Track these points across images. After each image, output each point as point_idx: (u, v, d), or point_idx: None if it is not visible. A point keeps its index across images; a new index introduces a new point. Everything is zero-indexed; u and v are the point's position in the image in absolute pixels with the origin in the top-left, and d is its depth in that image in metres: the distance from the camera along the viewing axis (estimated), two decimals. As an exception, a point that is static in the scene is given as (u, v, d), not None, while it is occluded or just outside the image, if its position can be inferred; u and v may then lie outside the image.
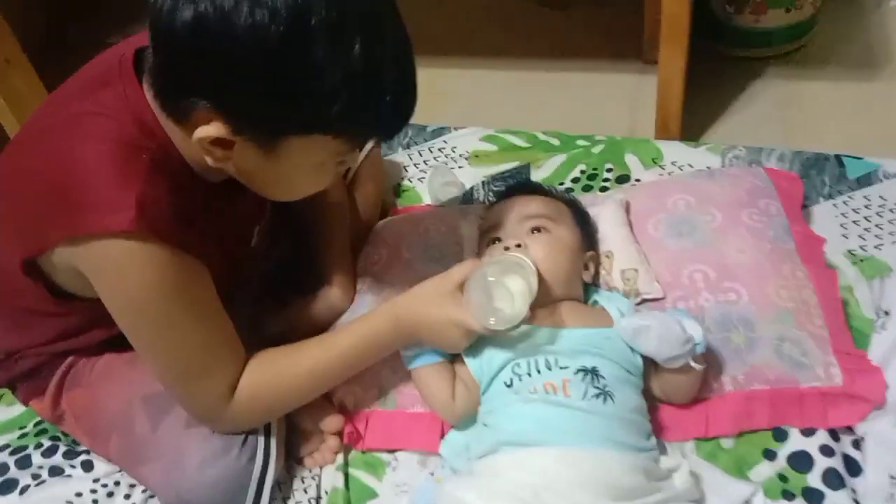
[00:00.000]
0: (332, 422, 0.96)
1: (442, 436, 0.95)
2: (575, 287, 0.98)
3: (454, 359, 0.95)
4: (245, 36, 0.67)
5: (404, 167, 1.40)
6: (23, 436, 1.07)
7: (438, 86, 1.90)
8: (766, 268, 0.99)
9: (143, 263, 0.77)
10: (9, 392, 1.09)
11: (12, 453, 1.04)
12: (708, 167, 1.26)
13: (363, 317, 0.93)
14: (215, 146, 0.76)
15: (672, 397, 0.93)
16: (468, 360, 0.93)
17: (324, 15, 0.67)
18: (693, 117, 1.62)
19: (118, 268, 0.78)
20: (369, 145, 1.23)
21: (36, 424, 1.08)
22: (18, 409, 1.10)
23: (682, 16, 1.35)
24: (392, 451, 0.97)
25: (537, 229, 0.97)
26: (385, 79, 0.73)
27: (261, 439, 0.90)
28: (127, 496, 0.98)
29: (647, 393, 0.92)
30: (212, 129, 0.74)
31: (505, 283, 0.87)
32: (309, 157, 0.79)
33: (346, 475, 0.96)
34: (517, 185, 1.09)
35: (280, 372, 0.89)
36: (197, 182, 0.85)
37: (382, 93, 0.73)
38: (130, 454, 0.93)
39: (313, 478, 0.96)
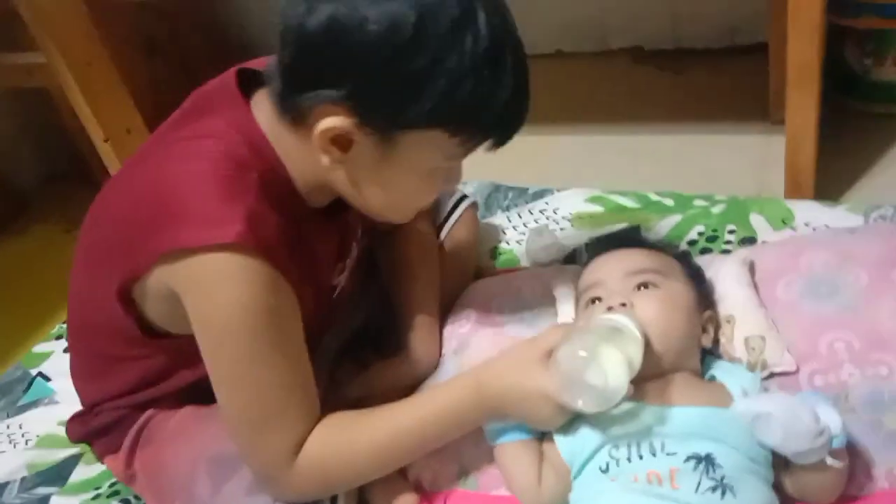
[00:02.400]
0: (405, 501, 0.86)
1: (529, 524, 0.82)
2: (691, 355, 0.84)
3: (544, 437, 0.83)
4: (378, 28, 0.69)
5: (502, 230, 1.32)
6: (96, 497, 1.03)
7: (547, 151, 1.84)
8: (927, 338, 0.82)
9: (242, 280, 0.74)
10: (90, 451, 1.07)
11: (83, 514, 1.00)
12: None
13: (443, 385, 0.84)
14: (334, 145, 0.75)
15: (809, 497, 0.76)
16: (558, 439, 0.80)
17: (455, 5, 0.71)
18: (828, 179, 1.46)
19: (215, 281, 0.75)
20: (465, 205, 1.17)
21: (111, 486, 1.04)
22: (97, 468, 1.07)
23: (811, 59, 1.22)
24: (472, 538, 0.86)
25: (645, 285, 0.84)
26: (506, 72, 0.74)
27: None
28: (187, 569, 0.91)
29: (778, 488, 0.76)
30: (336, 121, 0.73)
31: (600, 355, 0.74)
32: (424, 157, 0.78)
33: (420, 562, 0.85)
34: (616, 237, 0.98)
35: (350, 438, 0.81)
36: (301, 207, 0.83)
37: (502, 86, 0.74)
38: None
39: (383, 562, 0.86)
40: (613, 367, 0.73)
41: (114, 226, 0.84)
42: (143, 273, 0.79)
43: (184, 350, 0.83)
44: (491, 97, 0.74)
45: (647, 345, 0.78)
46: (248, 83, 0.83)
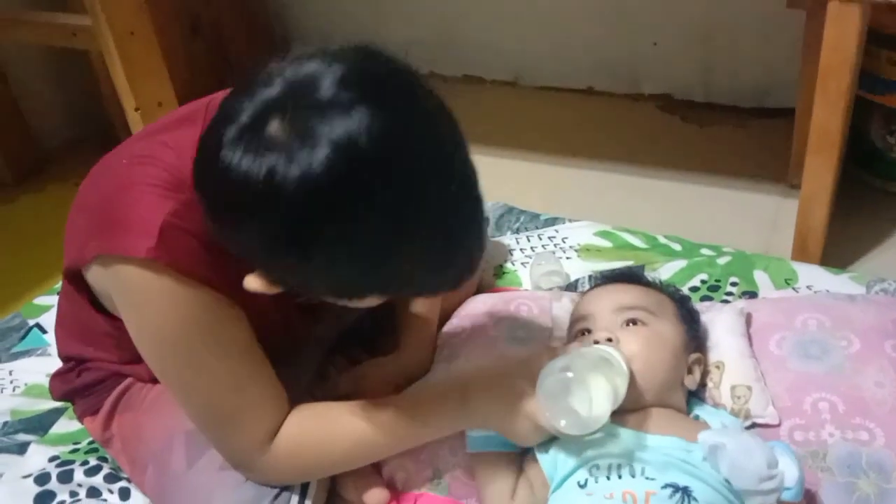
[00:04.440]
0: (375, 496, 0.87)
1: (495, 536, 0.83)
2: (674, 393, 0.85)
3: (525, 452, 0.84)
4: (286, 205, 0.60)
5: (510, 250, 1.34)
6: (74, 451, 1.04)
7: (563, 181, 1.86)
8: (910, 409, 0.83)
9: (160, 294, 0.74)
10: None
11: (59, 465, 1.01)
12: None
13: (430, 388, 0.85)
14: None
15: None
16: (540, 455, 0.81)
17: (378, 186, 0.60)
18: (837, 248, 1.47)
19: (138, 294, 0.76)
20: None
21: (90, 442, 1.05)
22: (79, 424, 1.08)
23: (834, 127, 1.23)
24: (436, 543, 0.86)
25: (633, 321, 0.86)
26: (455, 257, 0.67)
27: (294, 497, 0.82)
28: (152, 534, 0.92)
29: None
30: (255, 282, 0.69)
31: (587, 380, 0.75)
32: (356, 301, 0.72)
33: (382, 558, 0.85)
34: (615, 273, 0.99)
35: (326, 429, 0.82)
36: None
37: (450, 265, 0.67)
38: (161, 490, 0.88)
39: (346, 553, 0.87)
40: (599, 395, 0.74)
41: (80, 210, 0.85)
42: (85, 265, 0.80)
43: None
44: (432, 277, 0.67)
45: (630, 379, 0.79)
46: None
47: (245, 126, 0.62)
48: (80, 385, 0.97)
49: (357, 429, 0.82)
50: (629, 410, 0.81)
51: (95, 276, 0.79)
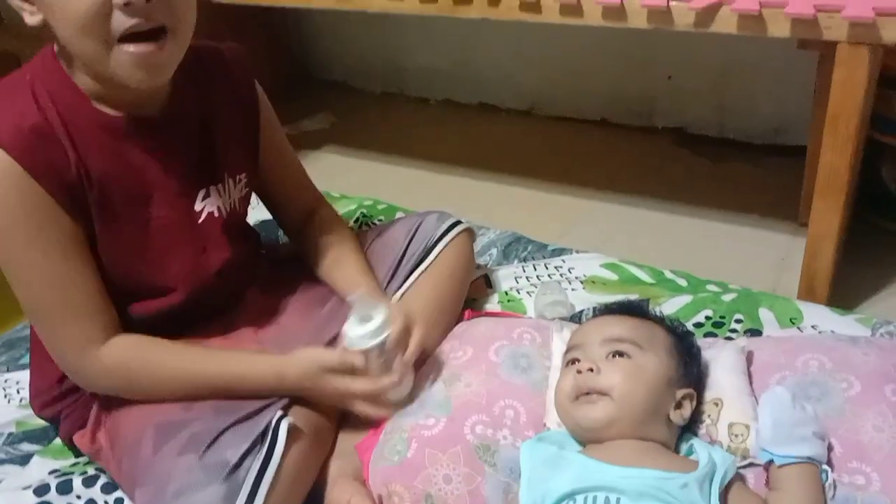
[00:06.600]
0: None
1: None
2: (655, 426, 0.85)
3: None
4: None
5: (515, 278, 1.35)
6: (75, 464, 1.06)
7: (572, 212, 1.87)
8: (908, 455, 0.82)
9: None
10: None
11: (58, 476, 1.02)
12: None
13: (254, 363, 0.95)
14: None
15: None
16: (522, 496, 0.83)
17: None
18: (844, 290, 1.46)
19: None
20: (458, 230, 1.16)
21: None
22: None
23: (843, 169, 1.23)
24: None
25: (619, 353, 0.87)
26: None
27: (248, 483, 0.83)
28: (146, 547, 0.92)
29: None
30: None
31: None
32: None
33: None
34: (614, 305, 1.00)
35: (149, 361, 0.93)
36: (110, 123, 0.89)
37: None
38: (131, 476, 0.91)
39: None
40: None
41: None
42: None
43: None
44: None
45: (608, 409, 0.84)
46: None
47: None
48: (62, 394, 1.02)
49: (171, 371, 0.93)
50: (608, 441, 0.83)
51: None
